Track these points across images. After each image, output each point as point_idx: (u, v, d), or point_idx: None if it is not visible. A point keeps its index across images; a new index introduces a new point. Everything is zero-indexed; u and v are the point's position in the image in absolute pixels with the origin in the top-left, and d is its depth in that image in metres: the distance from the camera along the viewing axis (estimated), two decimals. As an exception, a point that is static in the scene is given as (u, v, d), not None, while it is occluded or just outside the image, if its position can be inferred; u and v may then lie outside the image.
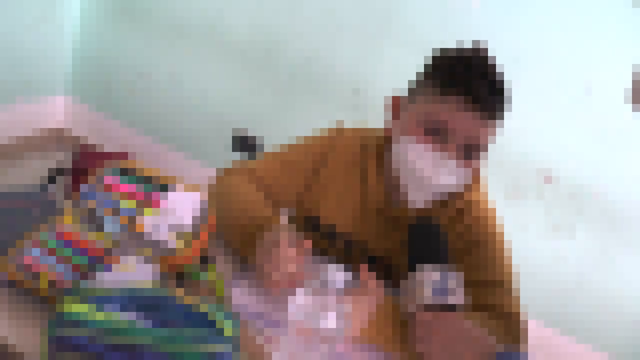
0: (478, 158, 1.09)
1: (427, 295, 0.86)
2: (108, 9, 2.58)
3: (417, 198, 1.11)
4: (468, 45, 1.10)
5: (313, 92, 2.24)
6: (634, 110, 0.96)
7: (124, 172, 0.93)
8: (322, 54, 2.17)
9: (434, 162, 1.05)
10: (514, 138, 1.94)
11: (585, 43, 1.79)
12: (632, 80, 0.99)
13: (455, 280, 0.88)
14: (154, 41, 2.52)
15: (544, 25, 1.82)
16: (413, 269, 0.90)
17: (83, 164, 1.12)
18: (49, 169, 1.14)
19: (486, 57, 1.07)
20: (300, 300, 0.79)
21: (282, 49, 2.24)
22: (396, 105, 1.16)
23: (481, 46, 1.08)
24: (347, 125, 1.30)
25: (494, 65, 1.06)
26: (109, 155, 1.18)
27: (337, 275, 0.82)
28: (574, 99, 1.84)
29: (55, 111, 2.80)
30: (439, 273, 0.87)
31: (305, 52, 2.20)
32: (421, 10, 1.95)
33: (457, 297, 0.87)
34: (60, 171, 1.13)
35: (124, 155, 1.20)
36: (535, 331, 1.10)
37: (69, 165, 1.13)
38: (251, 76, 2.35)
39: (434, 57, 1.11)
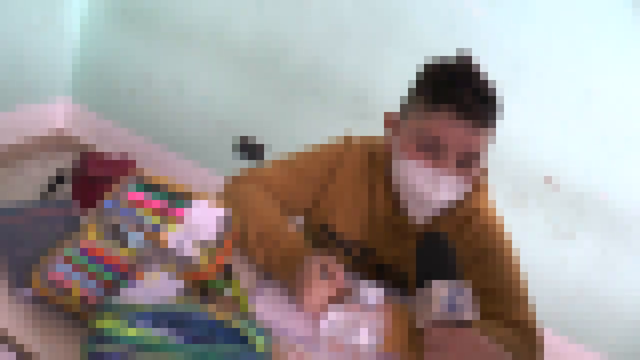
0: (477, 166, 1.09)
1: (438, 311, 0.86)
2: (110, 12, 2.57)
3: (419, 214, 1.13)
4: (459, 53, 1.09)
5: (317, 98, 2.24)
6: None
7: (144, 184, 0.93)
8: (326, 61, 2.18)
9: (433, 178, 1.05)
10: (516, 144, 1.96)
11: (587, 49, 1.80)
12: None
13: (466, 296, 0.87)
14: (157, 45, 2.52)
15: (546, 31, 1.83)
16: (422, 284, 0.90)
17: (87, 165, 1.13)
18: (56, 170, 1.15)
19: (470, 65, 1.06)
20: (333, 317, 0.80)
21: (286, 55, 2.24)
22: (391, 122, 1.17)
23: (465, 54, 1.07)
24: (356, 133, 1.31)
25: (478, 73, 1.05)
26: (110, 156, 1.19)
27: (369, 291, 0.82)
28: (576, 105, 1.86)
29: (57, 114, 2.80)
30: (449, 289, 0.87)
31: (310, 58, 2.20)
32: (425, 17, 1.96)
33: (469, 313, 0.87)
34: (67, 172, 1.14)
35: (125, 156, 1.21)
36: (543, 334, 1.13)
37: (74, 166, 1.14)
38: (255, 82, 2.36)
39: (419, 73, 1.12)
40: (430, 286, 0.88)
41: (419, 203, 1.10)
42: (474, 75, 1.05)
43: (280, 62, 2.27)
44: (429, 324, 0.86)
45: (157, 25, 2.49)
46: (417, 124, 1.07)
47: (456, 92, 1.03)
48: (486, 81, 1.05)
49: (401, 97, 1.16)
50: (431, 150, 1.06)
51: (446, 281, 0.88)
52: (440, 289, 0.87)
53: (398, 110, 1.16)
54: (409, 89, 1.14)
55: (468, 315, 0.86)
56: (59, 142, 2.78)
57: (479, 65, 1.06)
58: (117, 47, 2.62)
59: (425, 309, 0.87)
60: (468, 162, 1.06)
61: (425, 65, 1.11)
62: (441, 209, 1.16)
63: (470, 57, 1.07)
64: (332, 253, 1.26)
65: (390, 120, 1.18)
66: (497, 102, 1.06)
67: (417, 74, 1.12)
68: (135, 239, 0.85)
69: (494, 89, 1.06)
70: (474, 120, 1.03)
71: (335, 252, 1.26)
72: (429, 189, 1.06)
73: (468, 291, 0.88)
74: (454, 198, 1.10)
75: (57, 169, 1.15)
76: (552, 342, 2.06)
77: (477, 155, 1.07)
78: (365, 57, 2.11)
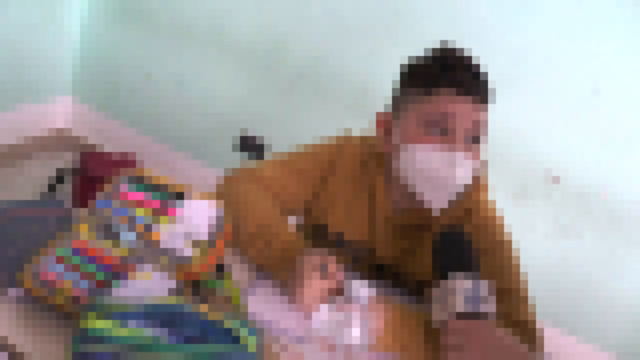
0: (485, 142, 1.11)
1: (460, 303, 0.85)
2: (111, 10, 2.57)
3: (439, 200, 1.11)
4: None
5: (319, 93, 2.24)
6: None
7: (139, 181, 0.93)
8: (328, 55, 2.17)
9: (448, 159, 1.06)
10: (521, 139, 1.95)
11: (591, 44, 1.79)
12: None
13: (486, 288, 0.87)
14: (158, 42, 2.52)
15: (552, 26, 1.82)
16: (442, 277, 0.90)
17: (88, 164, 1.12)
18: (57, 169, 1.15)
19: (460, 49, 1.10)
20: (323, 315, 0.79)
21: (288, 50, 2.24)
22: (385, 121, 1.17)
23: (449, 44, 1.12)
24: (355, 131, 1.30)
25: (469, 55, 1.09)
26: (111, 155, 1.19)
27: (359, 288, 0.81)
28: (582, 100, 1.85)
29: (58, 113, 2.80)
30: (471, 281, 0.87)
31: (312, 53, 2.20)
32: (428, 11, 1.96)
33: (490, 305, 0.86)
34: (67, 171, 1.14)
35: (126, 155, 1.20)
36: (544, 332, 1.11)
37: (75, 166, 1.13)
38: (257, 77, 2.35)
39: (409, 65, 1.14)
40: (454, 278, 0.88)
41: (438, 188, 1.09)
42: (467, 57, 1.09)
43: (281, 59, 2.26)
44: (452, 316, 0.86)
45: (157, 24, 2.49)
46: (421, 110, 1.09)
47: (454, 73, 1.06)
48: (477, 62, 1.09)
49: (392, 97, 1.17)
50: (439, 133, 1.07)
51: (469, 273, 0.88)
52: (462, 281, 0.87)
53: (390, 109, 1.17)
54: (400, 88, 1.15)
55: (490, 307, 0.86)
56: (59, 142, 2.78)
57: (466, 50, 1.10)
58: (117, 46, 2.62)
59: (449, 301, 0.87)
60: (476, 139, 1.09)
61: (413, 58, 1.13)
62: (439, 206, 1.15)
63: (454, 43, 1.11)
64: (330, 252, 1.25)
65: (383, 120, 1.17)
66: (487, 82, 1.10)
67: (409, 70, 1.14)
68: (128, 237, 0.84)
69: (484, 69, 1.10)
70: (475, 96, 1.07)
71: (334, 251, 1.25)
72: (446, 172, 1.06)
73: (487, 283, 0.88)
74: (469, 177, 1.10)
75: (57, 169, 1.15)
76: (552, 334, 2.05)
77: (484, 132, 1.10)
78: (366, 53, 2.10)
